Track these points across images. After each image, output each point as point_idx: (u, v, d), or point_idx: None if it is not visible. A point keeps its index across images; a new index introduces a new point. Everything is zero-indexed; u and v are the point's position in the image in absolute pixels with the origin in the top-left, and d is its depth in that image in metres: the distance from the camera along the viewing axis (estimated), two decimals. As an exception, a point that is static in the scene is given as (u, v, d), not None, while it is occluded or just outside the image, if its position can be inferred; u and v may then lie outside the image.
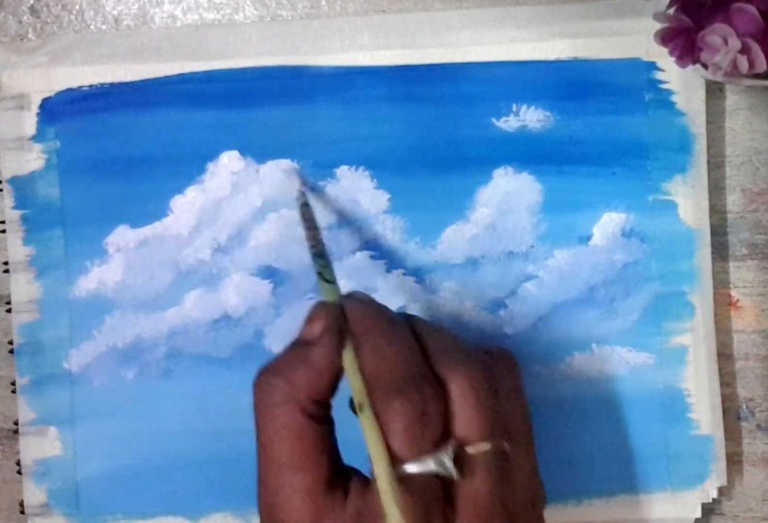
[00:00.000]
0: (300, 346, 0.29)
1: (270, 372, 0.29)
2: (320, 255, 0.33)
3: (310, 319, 0.30)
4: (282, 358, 0.29)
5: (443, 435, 0.26)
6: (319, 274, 0.32)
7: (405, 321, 0.30)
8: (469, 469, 0.26)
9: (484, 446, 0.27)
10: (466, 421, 0.27)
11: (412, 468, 0.26)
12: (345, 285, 0.38)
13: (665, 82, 0.37)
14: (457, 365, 0.27)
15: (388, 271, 0.38)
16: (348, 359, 0.28)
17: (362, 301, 0.31)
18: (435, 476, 0.26)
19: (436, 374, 0.27)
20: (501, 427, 0.28)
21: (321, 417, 0.28)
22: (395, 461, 0.26)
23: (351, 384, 0.28)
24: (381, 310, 0.30)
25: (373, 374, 0.27)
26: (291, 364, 0.28)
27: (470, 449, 0.27)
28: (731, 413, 0.38)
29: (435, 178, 0.38)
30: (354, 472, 0.29)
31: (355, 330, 0.29)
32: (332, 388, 0.28)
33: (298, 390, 0.28)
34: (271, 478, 0.28)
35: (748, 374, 0.38)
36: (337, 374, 0.28)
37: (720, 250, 0.38)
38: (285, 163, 0.38)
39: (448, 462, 0.26)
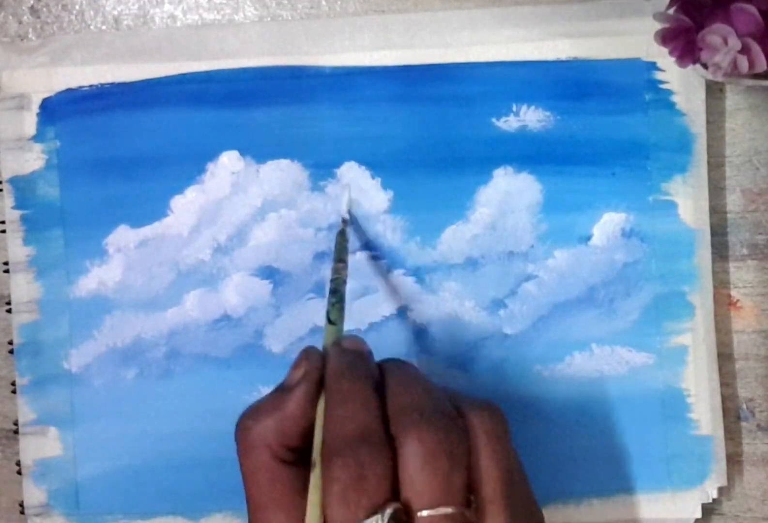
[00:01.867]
0: (280, 391, 0.29)
1: (248, 415, 0.29)
2: (336, 292, 0.33)
3: (294, 365, 0.30)
4: (261, 401, 0.30)
5: (389, 499, 0.25)
6: (327, 312, 0.32)
7: (374, 375, 0.29)
8: None
9: (434, 512, 0.25)
10: (412, 485, 0.25)
11: None
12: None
13: (665, 82, 0.37)
14: (411, 427, 0.26)
15: (388, 271, 0.38)
16: (320, 410, 0.28)
17: (344, 351, 0.30)
18: None
19: (392, 436, 0.26)
20: (461, 487, 0.26)
21: (294, 461, 0.28)
22: None
23: (315, 438, 0.27)
24: (353, 363, 0.29)
25: (325, 433, 0.27)
26: (267, 409, 0.29)
27: (422, 514, 0.25)
28: (731, 413, 0.38)
29: (435, 178, 0.38)
30: None
31: (327, 385, 0.29)
32: (305, 435, 0.28)
33: (269, 435, 0.28)
34: (254, 516, 0.28)
35: (748, 374, 0.38)
36: (311, 422, 0.28)
37: (720, 250, 0.38)
38: (345, 179, 0.38)
39: None
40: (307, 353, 0.30)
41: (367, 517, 0.25)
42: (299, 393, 0.29)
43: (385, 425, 0.27)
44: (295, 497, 0.28)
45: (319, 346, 0.32)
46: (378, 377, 0.29)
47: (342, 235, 0.36)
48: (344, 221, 0.37)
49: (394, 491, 0.26)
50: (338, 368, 0.29)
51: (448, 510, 0.25)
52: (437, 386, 0.29)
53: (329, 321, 0.32)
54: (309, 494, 0.26)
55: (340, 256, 0.35)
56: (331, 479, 0.25)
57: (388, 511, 0.25)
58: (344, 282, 0.34)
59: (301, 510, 0.27)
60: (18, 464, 0.39)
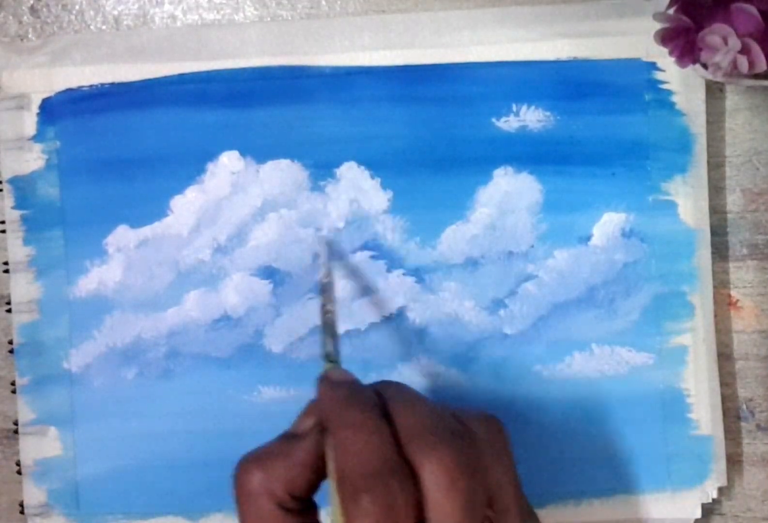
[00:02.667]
0: (286, 438, 0.29)
1: (251, 460, 0.28)
2: (328, 325, 0.33)
3: (304, 413, 0.30)
4: (266, 447, 0.29)
5: None
6: (326, 353, 0.32)
7: (376, 401, 0.28)
8: None
9: None
10: (440, 507, 0.25)
11: None
12: (345, 285, 0.38)
13: (665, 82, 0.37)
14: (428, 450, 0.26)
15: (388, 271, 0.38)
16: (329, 457, 0.27)
17: (336, 383, 0.30)
18: None
19: (408, 460, 0.26)
20: (483, 501, 0.26)
21: (299, 510, 0.28)
22: None
23: (330, 482, 0.27)
24: (351, 393, 0.29)
25: (341, 469, 0.26)
26: (273, 455, 0.28)
27: None
28: (731, 413, 0.38)
29: (435, 178, 0.38)
30: None
31: (326, 420, 0.28)
32: (312, 484, 0.28)
33: (275, 482, 0.27)
34: None
35: (748, 374, 0.38)
36: (319, 472, 0.28)
37: (720, 250, 0.38)
38: (317, 236, 0.38)
39: None
40: (315, 401, 0.30)
41: None
42: (311, 441, 0.28)
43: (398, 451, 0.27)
44: None
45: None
46: (379, 403, 0.29)
47: (329, 285, 0.36)
48: (328, 271, 0.37)
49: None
50: (340, 401, 0.28)
51: None
52: (439, 404, 0.29)
53: (329, 361, 0.31)
54: None
55: (328, 302, 0.35)
56: (361, 514, 0.25)
57: None
58: (335, 323, 0.34)
59: None
60: (18, 464, 0.39)
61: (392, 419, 0.27)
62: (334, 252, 0.38)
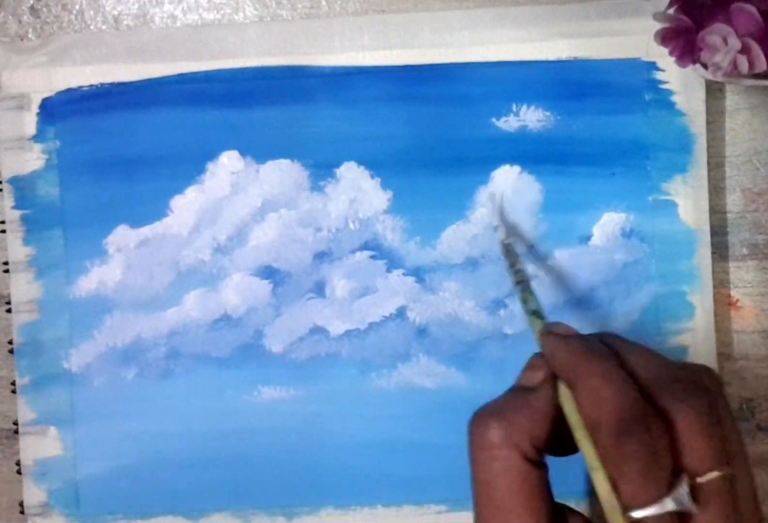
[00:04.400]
0: (520, 391, 0.29)
1: (489, 413, 0.28)
2: (522, 282, 0.33)
3: (529, 366, 0.30)
4: (501, 401, 0.29)
5: (674, 470, 0.26)
6: (528, 307, 0.32)
7: (611, 351, 0.29)
8: (703, 500, 0.26)
9: (714, 475, 0.26)
10: (696, 452, 0.26)
11: (652, 510, 0.25)
12: (345, 285, 0.38)
13: (665, 82, 0.37)
14: (681, 396, 0.27)
15: (388, 271, 0.38)
16: (565, 397, 0.27)
17: (566, 336, 0.30)
18: (669, 513, 0.25)
19: (657, 406, 0.26)
20: (725, 451, 0.27)
21: (539, 462, 0.28)
22: (633, 504, 0.25)
23: (575, 435, 0.27)
24: (586, 344, 0.29)
25: (594, 417, 0.26)
26: (512, 407, 0.28)
27: (701, 480, 0.26)
28: (731, 413, 0.38)
29: (435, 178, 0.38)
30: (568, 510, 0.29)
31: (566, 371, 0.28)
32: (550, 434, 0.28)
33: (519, 434, 0.27)
34: (493, 520, 0.27)
35: (748, 374, 0.38)
36: (556, 423, 0.28)
37: (720, 250, 0.38)
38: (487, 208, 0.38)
39: (687, 499, 0.25)
40: (543, 355, 0.30)
41: (668, 489, 0.25)
42: (546, 391, 0.28)
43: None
44: (540, 500, 0.27)
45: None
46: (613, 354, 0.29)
47: (506, 248, 0.36)
48: (506, 244, 0.37)
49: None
50: (578, 352, 0.28)
51: (727, 470, 0.26)
52: (662, 356, 0.29)
53: (533, 313, 0.32)
54: (597, 486, 0.26)
55: (513, 262, 0.35)
56: (629, 459, 0.25)
57: (686, 480, 0.25)
58: (528, 277, 0.34)
59: (545, 513, 0.27)
60: (18, 464, 0.39)
61: (631, 369, 0.28)
62: (505, 215, 0.38)
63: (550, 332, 0.30)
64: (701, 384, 0.28)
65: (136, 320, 0.39)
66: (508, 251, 0.36)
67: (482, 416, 0.28)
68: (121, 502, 0.39)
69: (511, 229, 0.38)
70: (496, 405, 0.28)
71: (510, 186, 0.38)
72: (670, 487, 0.25)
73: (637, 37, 0.37)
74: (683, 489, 0.25)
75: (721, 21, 0.31)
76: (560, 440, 0.28)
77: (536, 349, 0.30)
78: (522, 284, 0.34)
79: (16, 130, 0.39)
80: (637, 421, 0.26)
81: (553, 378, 0.28)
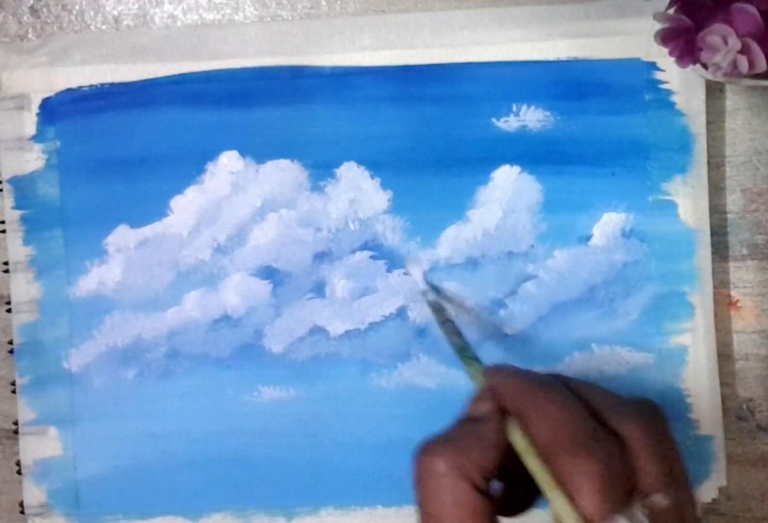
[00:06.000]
0: (467, 422, 0.29)
1: (438, 443, 0.28)
2: (456, 334, 0.34)
3: (477, 398, 0.30)
4: (449, 432, 0.29)
5: (628, 490, 0.26)
6: (465, 357, 0.32)
7: (558, 381, 0.29)
8: (654, 519, 0.26)
9: (665, 497, 0.26)
10: (648, 473, 0.26)
11: None
12: (345, 285, 0.38)
13: (665, 82, 0.37)
14: (632, 418, 0.27)
15: (388, 271, 0.38)
16: (517, 436, 0.28)
17: (513, 371, 0.30)
18: None
19: (609, 428, 0.27)
20: (674, 473, 0.28)
21: (488, 492, 0.28)
22: (593, 520, 0.25)
23: (527, 463, 0.27)
24: (534, 376, 0.29)
25: (550, 439, 0.27)
26: (461, 437, 0.28)
27: (655, 500, 0.26)
28: (731, 413, 0.38)
29: (435, 178, 0.38)
30: None
31: (517, 401, 0.28)
32: (499, 465, 0.28)
33: (469, 464, 0.27)
34: None
35: (748, 374, 0.38)
36: (505, 453, 0.28)
37: (720, 250, 0.38)
38: (412, 258, 0.38)
39: (642, 517, 0.26)
40: (490, 387, 0.30)
41: (622, 508, 0.25)
42: (495, 422, 0.28)
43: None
44: None
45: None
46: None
47: (434, 306, 0.37)
48: (428, 289, 0.38)
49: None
50: (527, 383, 0.29)
51: (676, 492, 0.27)
52: (598, 386, 0.30)
53: (469, 359, 0.32)
54: (555, 506, 0.26)
55: (442, 319, 0.36)
56: (586, 476, 0.25)
57: (639, 498, 0.26)
58: (458, 328, 0.35)
59: None
60: (18, 464, 0.39)
61: (580, 397, 0.28)
62: (428, 278, 0.38)
63: (493, 369, 0.30)
64: (651, 411, 0.28)
65: (136, 320, 0.39)
66: (436, 309, 0.36)
67: (430, 447, 0.28)
68: (121, 502, 0.39)
69: (436, 289, 0.38)
70: (443, 436, 0.28)
71: (510, 186, 0.38)
72: (625, 505, 0.26)
73: (637, 37, 0.37)
74: (639, 508, 0.26)
75: (721, 21, 0.31)
76: (508, 470, 0.28)
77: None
78: (455, 335, 0.34)
79: (16, 130, 0.39)
80: (593, 439, 0.26)
81: (501, 410, 0.28)
